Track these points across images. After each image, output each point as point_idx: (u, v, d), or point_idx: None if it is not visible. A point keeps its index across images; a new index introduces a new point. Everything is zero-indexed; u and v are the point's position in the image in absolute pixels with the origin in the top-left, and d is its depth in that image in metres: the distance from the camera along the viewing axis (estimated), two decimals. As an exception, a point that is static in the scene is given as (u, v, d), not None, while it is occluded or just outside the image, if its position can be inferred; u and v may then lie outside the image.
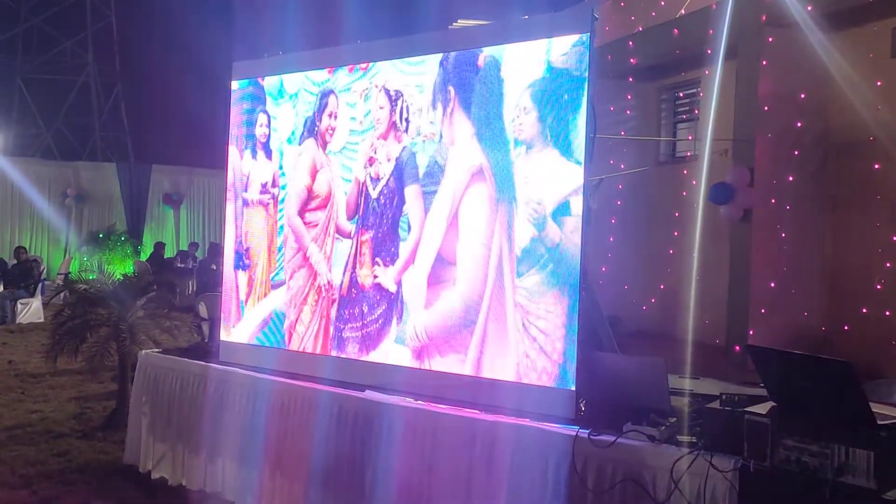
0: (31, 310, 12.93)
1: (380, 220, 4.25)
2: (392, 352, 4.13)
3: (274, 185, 4.76)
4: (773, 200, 8.00)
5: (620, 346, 4.47)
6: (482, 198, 3.90)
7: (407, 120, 4.18)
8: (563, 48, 3.63)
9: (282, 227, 4.72)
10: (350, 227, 4.38)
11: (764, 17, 7.97)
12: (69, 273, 15.07)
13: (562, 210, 3.60)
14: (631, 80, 10.64)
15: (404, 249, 4.13)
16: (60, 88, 24.28)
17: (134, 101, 24.89)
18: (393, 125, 4.24)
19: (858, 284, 7.77)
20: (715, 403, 3.04)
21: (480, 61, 4.00)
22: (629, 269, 10.13)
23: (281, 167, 4.75)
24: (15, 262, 13.95)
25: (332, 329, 4.41)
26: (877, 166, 7.60)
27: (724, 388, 3.36)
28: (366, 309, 4.27)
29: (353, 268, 4.34)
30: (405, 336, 4.08)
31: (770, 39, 8.02)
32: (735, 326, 8.11)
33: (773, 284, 7.94)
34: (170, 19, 20.79)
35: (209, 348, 5.12)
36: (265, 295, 4.76)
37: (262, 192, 4.84)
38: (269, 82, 4.85)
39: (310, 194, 4.62)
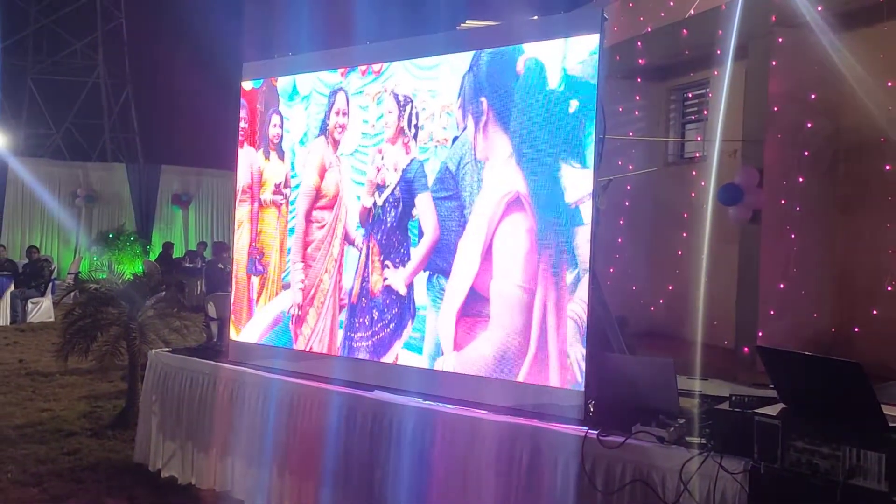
0: (41, 309, 13.00)
1: (386, 225, 4.24)
2: (402, 356, 4.13)
3: (286, 185, 4.78)
4: (782, 201, 7.97)
5: (629, 347, 4.47)
6: (520, 230, 3.68)
7: (416, 126, 4.16)
8: (579, 54, 3.60)
9: (292, 228, 4.74)
10: (359, 233, 4.38)
11: (774, 18, 7.94)
12: (79, 273, 15.15)
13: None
14: (640, 80, 10.62)
15: (416, 253, 4.11)
16: (70, 89, 24.38)
17: (143, 102, 24.98)
18: (401, 131, 4.23)
19: (868, 285, 7.73)
20: (725, 405, 3.03)
21: (520, 66, 3.77)
22: (638, 270, 10.11)
23: (293, 168, 4.76)
24: (26, 261, 14.03)
25: (340, 335, 4.40)
26: (888, 167, 7.56)
27: (734, 390, 3.37)
28: (376, 315, 4.25)
29: (364, 276, 4.33)
30: (418, 344, 4.05)
31: (780, 40, 7.99)
32: (744, 328, 8.08)
33: (782, 286, 7.91)
34: (179, 21, 20.85)
35: (218, 347, 5.15)
36: (276, 294, 4.78)
37: (275, 193, 4.85)
38: (282, 83, 4.86)
39: (318, 193, 4.63)
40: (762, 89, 8.03)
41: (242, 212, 5.05)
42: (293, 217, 4.74)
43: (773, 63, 7.97)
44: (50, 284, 13.57)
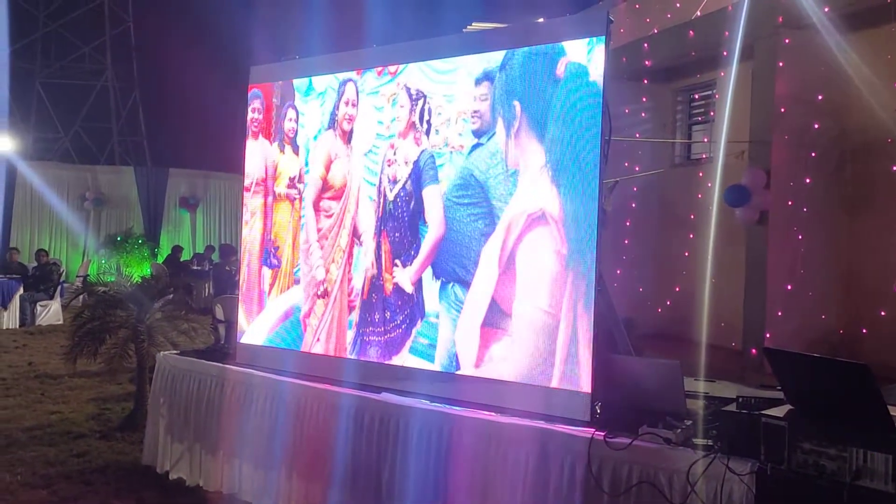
0: (50, 312, 13.07)
1: (398, 222, 4.24)
2: (410, 362, 4.14)
3: (300, 180, 4.78)
4: (789, 202, 7.95)
5: (636, 349, 4.47)
6: (545, 250, 3.57)
7: (428, 122, 4.16)
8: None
9: (304, 222, 4.76)
10: (371, 230, 4.37)
11: (780, 19, 7.94)
12: (88, 275, 15.21)
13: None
14: (646, 82, 10.62)
15: (422, 250, 4.11)
16: (79, 93, 24.51)
17: (151, 105, 25.08)
18: (412, 125, 4.23)
19: (876, 286, 7.71)
20: (731, 406, 3.03)
21: (560, 69, 3.58)
22: (644, 272, 10.10)
23: (306, 163, 4.78)
24: (35, 264, 14.11)
25: (351, 332, 4.41)
26: (895, 168, 7.54)
27: (741, 391, 3.36)
28: (388, 315, 4.25)
29: (376, 272, 4.33)
30: (429, 352, 4.04)
31: (786, 41, 7.98)
32: (751, 329, 8.06)
33: (789, 287, 7.89)
34: (188, 24, 20.95)
35: (226, 350, 5.16)
36: (287, 288, 4.78)
37: (289, 187, 4.84)
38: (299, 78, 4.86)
39: (324, 184, 4.63)
40: (769, 90, 8.03)
41: (256, 203, 5.04)
42: (304, 210, 4.75)
43: (780, 64, 7.96)
44: (59, 287, 13.64)
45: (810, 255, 7.98)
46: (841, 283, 8.09)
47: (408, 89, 4.25)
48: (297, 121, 4.81)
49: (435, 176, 4.08)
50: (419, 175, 4.15)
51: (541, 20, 4.46)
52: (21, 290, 12.83)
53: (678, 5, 9.62)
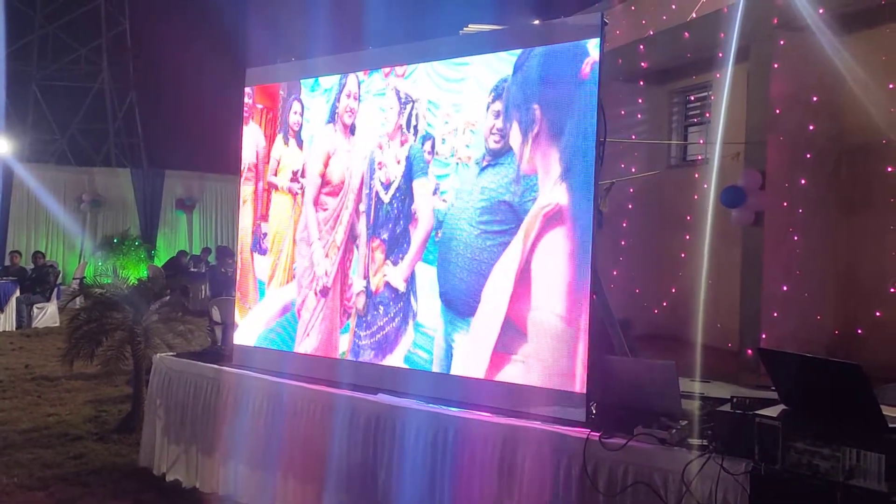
0: (46, 314, 13.07)
1: (394, 223, 4.23)
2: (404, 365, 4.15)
3: (303, 175, 4.77)
4: (785, 203, 7.98)
5: (632, 350, 4.48)
6: (559, 251, 3.50)
7: (415, 127, 4.16)
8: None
9: (304, 217, 4.76)
10: (363, 230, 4.37)
11: (775, 20, 7.96)
12: (84, 278, 15.20)
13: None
14: (642, 83, 10.65)
15: (412, 244, 4.11)
16: (75, 95, 24.52)
17: (147, 107, 25.09)
18: (399, 128, 4.23)
19: (871, 287, 7.74)
20: (726, 406, 3.04)
21: (586, 69, 3.46)
22: (641, 273, 10.12)
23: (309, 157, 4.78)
24: (32, 266, 14.10)
25: (347, 335, 4.42)
26: (890, 169, 7.57)
27: (736, 392, 3.37)
28: (381, 311, 4.25)
29: (367, 276, 4.34)
30: (425, 365, 4.04)
31: (782, 42, 8.01)
32: (748, 330, 8.09)
33: (785, 288, 7.91)
34: (183, 26, 20.94)
35: (223, 352, 5.17)
36: (287, 282, 4.78)
37: (291, 181, 4.82)
38: None
39: (322, 180, 4.63)
40: (764, 92, 8.05)
41: (247, 191, 5.05)
42: (305, 206, 4.74)
43: (775, 65, 7.99)
44: (55, 289, 13.63)
45: (806, 256, 8.00)
46: (837, 283, 8.11)
47: (397, 92, 4.26)
48: (301, 114, 4.79)
49: (424, 169, 4.08)
50: (409, 168, 4.15)
51: (537, 22, 4.46)
52: (17, 293, 12.82)
53: (674, 7, 9.64)
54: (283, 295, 4.79)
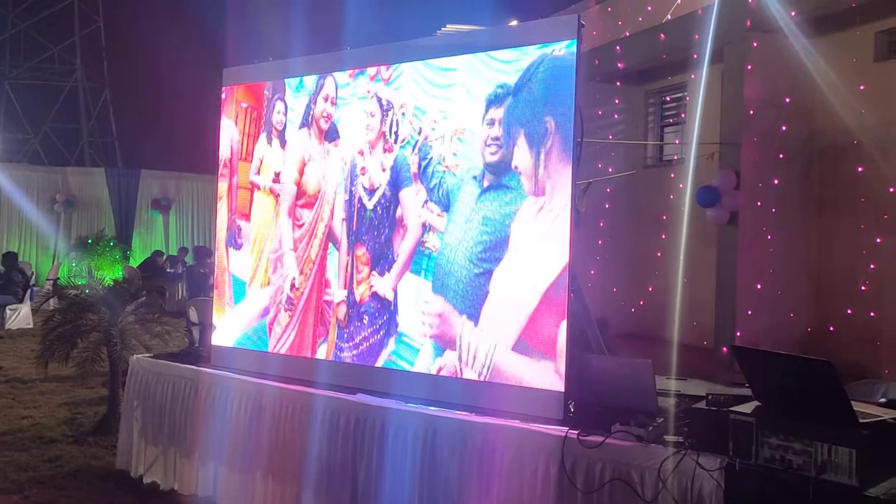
0: (19, 316, 12.85)
1: (377, 230, 4.19)
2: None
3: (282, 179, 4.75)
4: (758, 203, 8.09)
5: (610, 348, 4.52)
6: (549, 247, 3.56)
7: (396, 133, 4.13)
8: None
9: (279, 227, 4.74)
10: (343, 239, 4.33)
11: (749, 23, 8.07)
12: (58, 279, 15.00)
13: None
14: (619, 84, 10.73)
15: (400, 255, 4.09)
16: (48, 94, 24.21)
17: (122, 106, 24.84)
18: (382, 135, 4.20)
19: (843, 286, 7.86)
20: (701, 404, 3.09)
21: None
22: (617, 272, 10.20)
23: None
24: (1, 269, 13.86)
25: (325, 346, 4.40)
26: (860, 169, 7.70)
27: (711, 389, 3.43)
28: (366, 321, 4.21)
29: (349, 285, 4.30)
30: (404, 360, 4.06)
31: (755, 44, 8.11)
32: (723, 328, 8.19)
33: (759, 286, 8.02)
34: (158, 25, 20.76)
35: (200, 353, 5.14)
36: (267, 284, 4.76)
37: (273, 182, 4.76)
38: None
39: (298, 189, 4.59)
40: (738, 93, 8.16)
41: (222, 188, 5.01)
42: (280, 217, 4.71)
43: (749, 67, 8.09)
44: (28, 291, 13.42)
45: (779, 255, 8.12)
46: (809, 282, 8.24)
47: (378, 99, 4.23)
48: (285, 114, 4.73)
49: (409, 178, 4.07)
50: (396, 177, 4.12)
51: (514, 23, 4.48)
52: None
53: (649, 9, 9.73)
54: (262, 297, 4.77)
